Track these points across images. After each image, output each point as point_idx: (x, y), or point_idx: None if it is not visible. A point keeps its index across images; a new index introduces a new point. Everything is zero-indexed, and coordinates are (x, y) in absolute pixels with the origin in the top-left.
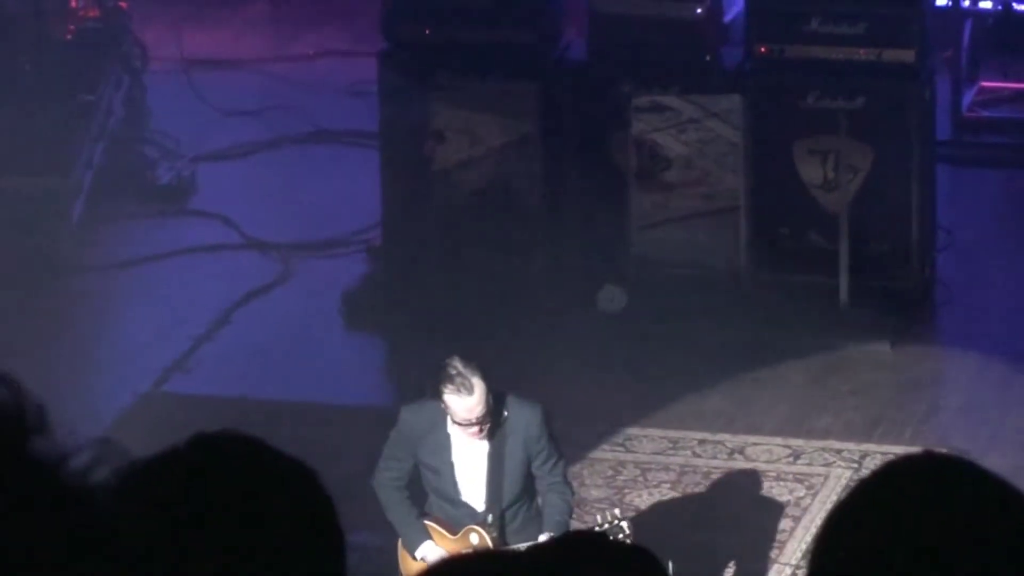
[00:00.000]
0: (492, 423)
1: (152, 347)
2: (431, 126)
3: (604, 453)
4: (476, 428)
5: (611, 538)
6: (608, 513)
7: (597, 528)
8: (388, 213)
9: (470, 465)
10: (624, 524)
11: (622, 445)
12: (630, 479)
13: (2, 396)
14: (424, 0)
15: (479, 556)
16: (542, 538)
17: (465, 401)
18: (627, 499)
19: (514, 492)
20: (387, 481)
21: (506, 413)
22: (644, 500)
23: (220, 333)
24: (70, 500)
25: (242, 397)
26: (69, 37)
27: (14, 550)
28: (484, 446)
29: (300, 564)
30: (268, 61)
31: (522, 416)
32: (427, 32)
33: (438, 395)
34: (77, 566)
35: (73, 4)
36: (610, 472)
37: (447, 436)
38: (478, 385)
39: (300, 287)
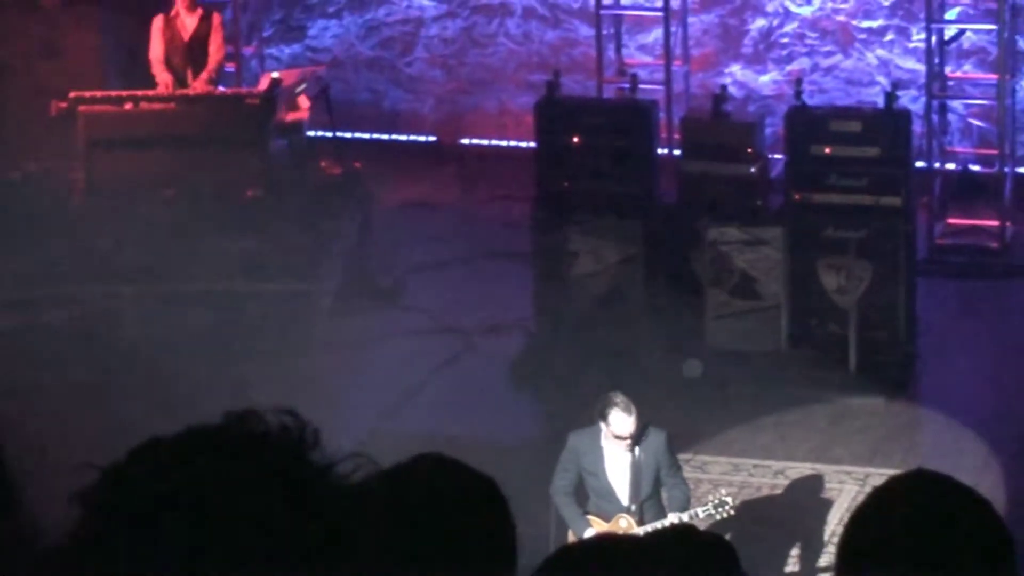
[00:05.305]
0: (635, 440)
1: (374, 400)
2: (568, 248)
3: (687, 473)
4: (627, 441)
5: (699, 530)
6: (715, 494)
7: (710, 501)
8: (539, 307)
9: (618, 471)
10: (728, 499)
11: (700, 468)
12: (705, 493)
13: (289, 422)
14: (564, 161)
15: (615, 535)
16: (670, 517)
17: (626, 420)
18: None
19: (648, 491)
20: (560, 488)
21: (643, 434)
22: None
23: (424, 390)
24: (335, 495)
25: (439, 435)
26: (319, 185)
27: (295, 534)
28: (627, 458)
29: (480, 537)
30: (456, 203)
31: (654, 437)
32: (566, 184)
33: (604, 417)
34: (335, 548)
35: (323, 164)
36: (692, 487)
37: (601, 449)
38: (634, 408)
39: (479, 358)
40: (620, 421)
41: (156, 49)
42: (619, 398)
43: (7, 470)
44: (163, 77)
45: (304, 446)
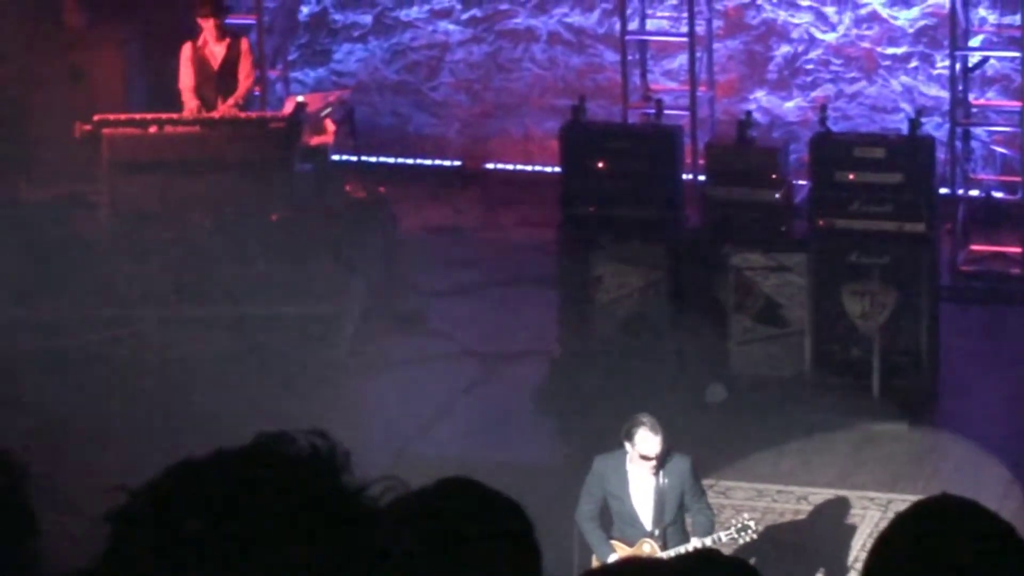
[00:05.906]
0: (660, 463)
1: (398, 424)
2: (593, 273)
3: (710, 499)
4: (653, 463)
5: (723, 555)
6: (737, 519)
7: (732, 526)
8: (563, 332)
9: (642, 495)
10: (751, 523)
11: (723, 493)
12: (728, 518)
13: (320, 444)
14: (589, 186)
15: (639, 559)
16: (693, 541)
17: (653, 440)
18: None
19: (671, 515)
20: (585, 513)
21: (667, 459)
22: None
23: (448, 414)
24: (365, 518)
25: (463, 459)
26: (344, 209)
27: (327, 556)
28: (652, 482)
29: (506, 562)
30: (480, 228)
31: (679, 462)
32: (591, 209)
33: (631, 437)
34: (364, 570)
35: (348, 188)
36: (715, 512)
37: (626, 473)
38: (662, 429)
39: (503, 383)
40: (647, 441)
41: (186, 78)
42: (646, 418)
43: (26, 497)
44: (191, 103)
45: (335, 468)
